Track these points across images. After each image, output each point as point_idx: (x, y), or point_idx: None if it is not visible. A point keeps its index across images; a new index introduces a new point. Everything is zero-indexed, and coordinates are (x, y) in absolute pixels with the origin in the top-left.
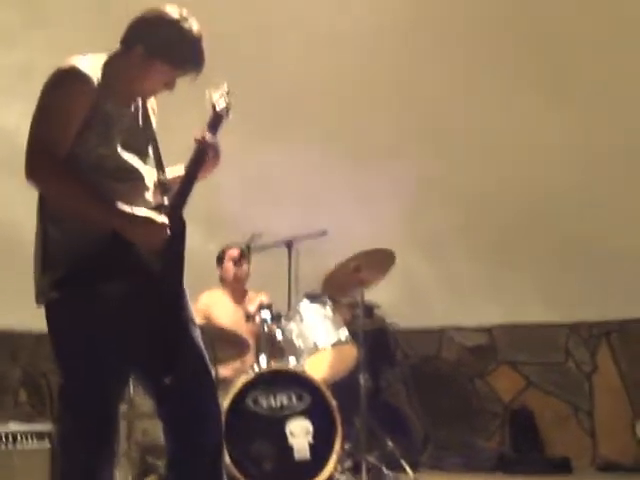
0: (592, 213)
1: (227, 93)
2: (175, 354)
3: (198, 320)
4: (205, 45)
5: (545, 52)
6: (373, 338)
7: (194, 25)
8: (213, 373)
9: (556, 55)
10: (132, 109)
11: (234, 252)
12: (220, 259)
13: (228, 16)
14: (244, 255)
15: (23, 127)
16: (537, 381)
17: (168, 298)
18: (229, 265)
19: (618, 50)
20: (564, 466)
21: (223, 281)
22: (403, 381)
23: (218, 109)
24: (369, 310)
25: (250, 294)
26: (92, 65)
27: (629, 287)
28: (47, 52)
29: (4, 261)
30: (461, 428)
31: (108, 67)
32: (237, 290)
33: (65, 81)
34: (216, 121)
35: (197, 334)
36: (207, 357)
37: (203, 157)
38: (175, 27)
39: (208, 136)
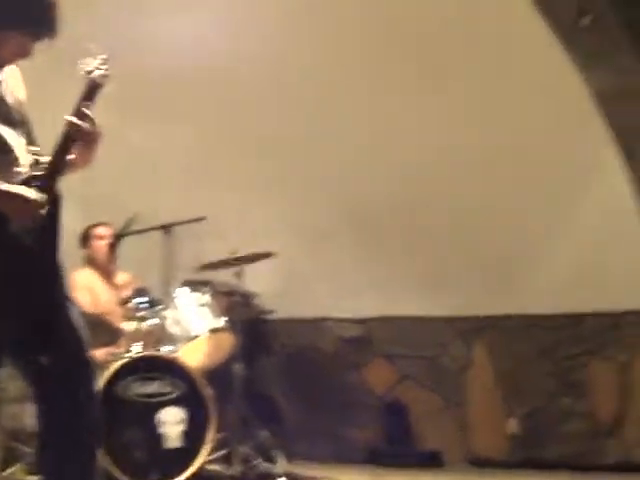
0: (471, 209)
1: (104, 61)
2: (50, 333)
3: (83, 301)
4: (82, 19)
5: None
6: (250, 327)
7: None
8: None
9: (436, 54)
10: None
11: (104, 230)
12: (86, 238)
13: None
14: (118, 235)
15: None
16: (411, 374)
17: (42, 275)
18: (99, 244)
19: (501, 47)
20: (436, 459)
21: (91, 261)
22: (279, 371)
23: (94, 77)
24: (247, 299)
25: (119, 275)
26: None
27: (506, 283)
28: None
29: None
30: (335, 419)
31: None
32: (107, 271)
33: None
34: (92, 90)
35: (75, 314)
36: (85, 337)
37: (74, 135)
38: None
39: (77, 116)
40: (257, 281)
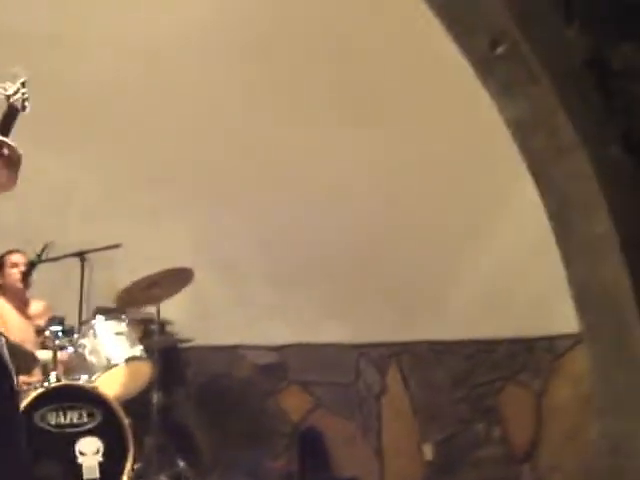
0: (386, 234)
1: (23, 84)
2: None
3: None
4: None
5: (343, 67)
6: (164, 355)
7: None
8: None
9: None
10: None
11: (18, 258)
12: (0, 265)
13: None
14: (33, 263)
15: None
16: (326, 401)
17: None
18: (13, 271)
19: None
20: None
21: (4, 289)
22: (193, 400)
23: (13, 101)
24: (161, 327)
25: (33, 304)
26: None
27: (419, 309)
28: None
29: None
30: (250, 448)
31: None
32: (20, 299)
33: None
34: (12, 114)
35: None
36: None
37: None
38: None
39: None
40: (171, 309)
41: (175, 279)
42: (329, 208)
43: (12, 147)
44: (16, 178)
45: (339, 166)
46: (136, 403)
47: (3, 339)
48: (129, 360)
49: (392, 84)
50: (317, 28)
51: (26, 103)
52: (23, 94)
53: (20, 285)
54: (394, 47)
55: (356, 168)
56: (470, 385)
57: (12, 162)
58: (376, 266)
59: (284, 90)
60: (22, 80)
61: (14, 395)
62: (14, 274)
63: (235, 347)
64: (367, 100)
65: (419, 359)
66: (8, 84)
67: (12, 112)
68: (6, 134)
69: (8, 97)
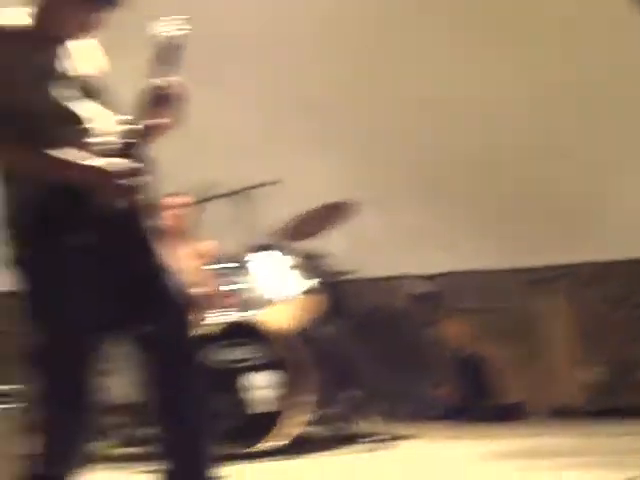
0: (543, 158)
1: (183, 21)
2: (144, 304)
3: None
4: None
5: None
6: (329, 289)
7: None
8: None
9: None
10: (68, 51)
11: (180, 199)
12: (165, 207)
13: None
14: (199, 203)
15: None
16: (487, 328)
17: (133, 247)
18: (176, 213)
19: None
20: (517, 412)
21: (169, 230)
22: (352, 332)
23: (174, 37)
24: (325, 260)
25: (201, 243)
26: (9, 14)
27: (579, 231)
28: None
29: None
30: (411, 377)
31: (30, 12)
32: (185, 238)
33: None
34: (173, 50)
35: (171, 279)
36: (183, 305)
37: (159, 98)
38: None
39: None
40: (328, 242)
41: (336, 213)
42: (487, 131)
43: (173, 85)
44: (182, 114)
45: (498, 88)
46: (305, 336)
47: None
48: (300, 293)
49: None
50: None
51: (185, 39)
52: (183, 30)
53: (185, 226)
54: None
55: (515, 89)
56: (631, 305)
57: (179, 98)
58: (535, 188)
59: (441, 16)
60: (183, 16)
61: None
62: (178, 216)
63: (393, 278)
64: (526, 20)
65: (580, 281)
66: (168, 21)
67: (173, 49)
68: (168, 72)
69: (169, 35)
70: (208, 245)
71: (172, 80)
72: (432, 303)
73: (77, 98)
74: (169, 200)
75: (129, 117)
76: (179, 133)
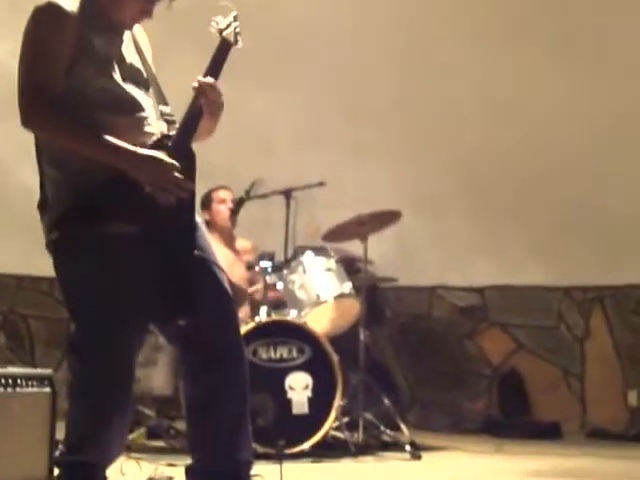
0: (593, 176)
1: (235, 18)
2: (188, 296)
3: None
4: None
5: (552, 9)
6: (369, 294)
7: None
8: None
9: (563, 12)
10: (122, 40)
11: (226, 194)
12: (207, 202)
13: None
14: (242, 200)
15: (14, 63)
16: (528, 344)
17: (179, 239)
18: (221, 208)
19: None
20: (553, 431)
21: (212, 225)
22: (390, 339)
23: (225, 35)
24: (367, 265)
25: (239, 241)
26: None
27: (626, 252)
28: None
29: None
30: (448, 389)
31: None
32: (227, 235)
33: (42, 19)
34: (224, 49)
35: (217, 274)
36: (230, 298)
37: (203, 96)
38: None
39: (206, 79)
40: (372, 247)
41: (382, 220)
42: (538, 145)
43: (218, 92)
44: (217, 122)
45: (554, 102)
46: (343, 340)
47: (218, 267)
48: (338, 297)
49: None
50: None
51: (238, 37)
52: (235, 28)
53: (228, 222)
54: None
55: (571, 105)
56: None
57: (220, 102)
58: (584, 207)
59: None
60: (234, 14)
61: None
62: (222, 211)
63: (435, 288)
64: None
65: (624, 303)
66: (220, 18)
67: (225, 46)
68: (218, 70)
69: (220, 31)
70: (246, 243)
71: (214, 82)
72: (474, 315)
73: (135, 86)
74: (216, 194)
75: (168, 110)
76: (227, 129)
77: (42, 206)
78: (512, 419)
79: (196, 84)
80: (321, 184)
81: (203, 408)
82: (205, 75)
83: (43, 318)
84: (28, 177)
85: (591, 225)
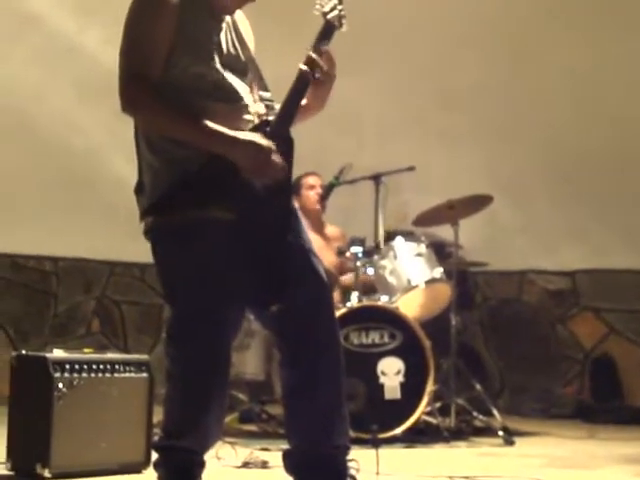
0: None
1: (340, 1)
2: (283, 281)
3: None
4: None
5: None
6: (459, 279)
7: None
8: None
9: None
10: (222, 26)
11: (315, 180)
12: (297, 188)
13: None
14: (331, 185)
15: (103, 52)
16: (620, 329)
17: (275, 223)
18: (310, 193)
19: None
20: None
21: (301, 211)
22: (481, 324)
23: (329, 17)
24: (457, 250)
25: (329, 227)
26: None
27: None
28: None
29: (80, 192)
30: (539, 373)
31: None
32: (317, 221)
33: (143, 5)
34: (328, 32)
35: (312, 259)
36: (325, 283)
37: (309, 76)
38: None
39: (314, 55)
40: (461, 232)
41: (473, 204)
42: (623, 133)
43: (332, 63)
44: (328, 98)
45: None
46: (434, 325)
47: (315, 256)
48: (429, 282)
49: None
50: None
51: (343, 20)
52: (340, 10)
53: (318, 207)
54: None
55: None
56: None
57: (328, 79)
58: None
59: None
60: None
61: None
62: (312, 196)
63: (524, 272)
64: None
65: None
66: (325, 0)
67: (329, 29)
68: (322, 52)
69: (325, 13)
70: (335, 230)
71: (325, 58)
72: (565, 300)
73: (233, 73)
74: (305, 180)
75: (269, 95)
76: (317, 115)
77: (139, 191)
78: (604, 404)
79: (303, 65)
80: (410, 169)
81: (299, 394)
82: (313, 51)
83: (135, 304)
84: (120, 165)
85: None
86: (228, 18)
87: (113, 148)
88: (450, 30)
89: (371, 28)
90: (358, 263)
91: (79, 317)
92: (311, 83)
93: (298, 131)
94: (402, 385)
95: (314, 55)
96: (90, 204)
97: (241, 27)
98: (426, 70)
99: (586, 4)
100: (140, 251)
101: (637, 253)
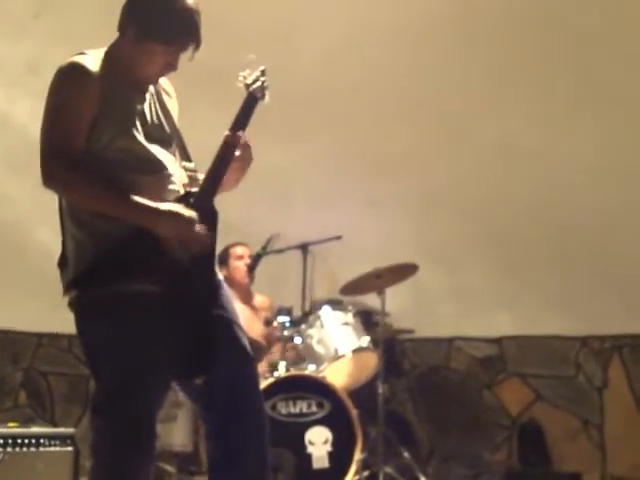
0: (609, 226)
1: (263, 72)
2: (207, 354)
3: None
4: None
5: (580, 65)
6: (386, 347)
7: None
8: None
9: (592, 69)
10: (145, 96)
11: (243, 250)
12: (224, 259)
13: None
14: (259, 255)
15: (32, 123)
16: (546, 394)
17: (200, 296)
18: (238, 264)
19: None
20: None
21: (229, 281)
22: (409, 391)
23: (252, 90)
24: (384, 318)
25: (257, 297)
26: (93, 58)
27: None
28: (56, 43)
29: (7, 262)
30: (468, 440)
31: (109, 56)
32: (245, 290)
33: (65, 80)
34: (250, 104)
35: (237, 331)
36: (249, 356)
37: (231, 150)
38: (162, 2)
39: (234, 134)
40: (388, 300)
41: (400, 272)
42: (555, 192)
43: (248, 147)
44: (244, 174)
45: (572, 153)
46: (362, 393)
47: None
48: (356, 350)
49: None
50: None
51: (266, 92)
52: (263, 82)
53: (246, 278)
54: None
55: (596, 152)
56: None
57: (247, 155)
58: (600, 257)
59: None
60: (262, 68)
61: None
62: (240, 267)
63: (452, 339)
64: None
65: None
66: (248, 72)
67: (251, 101)
68: (244, 125)
69: (248, 85)
70: (264, 299)
71: (242, 135)
72: (492, 366)
73: (158, 144)
74: (233, 250)
75: (192, 166)
76: (243, 184)
77: (62, 264)
78: (533, 470)
79: (224, 139)
80: (337, 238)
81: (225, 466)
82: (231, 130)
83: (63, 375)
84: (46, 235)
85: (608, 275)
86: (151, 88)
87: (41, 218)
88: (380, 100)
89: (300, 98)
90: (285, 332)
91: (6, 389)
92: (231, 157)
93: (226, 200)
94: (330, 454)
95: (237, 131)
96: (17, 274)
97: (164, 96)
98: (356, 139)
99: (521, 69)
100: (68, 321)
101: (562, 319)
